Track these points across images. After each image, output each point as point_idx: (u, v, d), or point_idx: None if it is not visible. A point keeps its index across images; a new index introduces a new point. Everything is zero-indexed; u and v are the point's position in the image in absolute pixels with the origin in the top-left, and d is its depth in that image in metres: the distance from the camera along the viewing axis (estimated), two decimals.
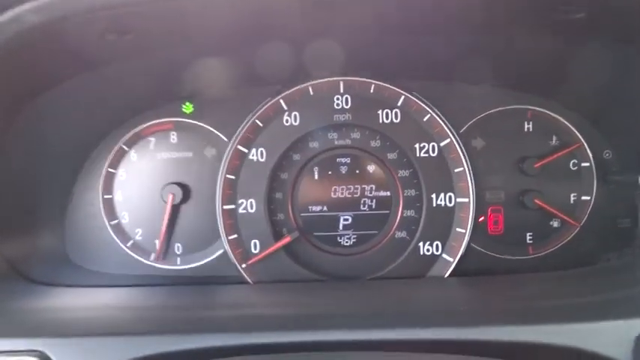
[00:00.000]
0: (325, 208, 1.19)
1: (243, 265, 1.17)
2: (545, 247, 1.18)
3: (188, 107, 1.20)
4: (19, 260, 1.05)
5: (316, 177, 1.19)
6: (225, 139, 1.19)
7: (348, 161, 1.19)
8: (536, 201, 1.16)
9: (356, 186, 1.19)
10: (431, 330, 0.78)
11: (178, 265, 1.21)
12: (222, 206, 1.16)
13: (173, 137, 1.21)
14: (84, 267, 1.18)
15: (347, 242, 1.20)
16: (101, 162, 1.19)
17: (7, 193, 1.01)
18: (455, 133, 1.16)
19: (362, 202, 1.19)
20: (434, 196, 1.17)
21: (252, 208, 1.17)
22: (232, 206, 1.17)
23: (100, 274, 1.17)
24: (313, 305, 0.97)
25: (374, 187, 1.19)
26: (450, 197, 1.17)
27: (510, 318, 0.79)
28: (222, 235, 1.17)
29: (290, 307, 0.97)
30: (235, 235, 1.17)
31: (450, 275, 1.16)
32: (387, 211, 1.19)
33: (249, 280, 1.17)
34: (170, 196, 1.19)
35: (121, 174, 1.22)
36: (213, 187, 1.18)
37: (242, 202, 1.17)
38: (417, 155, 1.17)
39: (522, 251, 1.18)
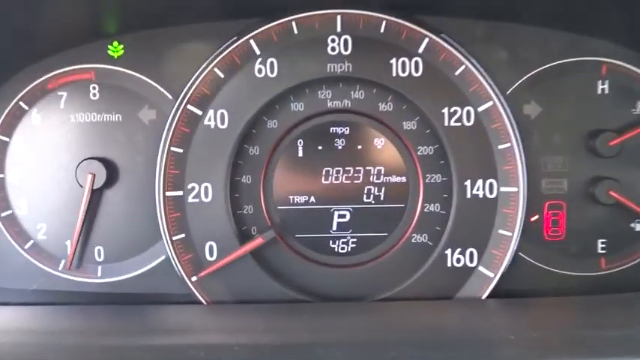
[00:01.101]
0: (313, 200, 1.15)
1: (194, 279, 1.12)
2: (623, 260, 1.15)
3: (116, 49, 1.15)
4: None
5: (300, 154, 1.14)
6: (170, 96, 1.15)
7: (347, 132, 1.14)
8: (612, 193, 1.12)
9: (357, 168, 1.14)
10: None
11: (99, 278, 1.16)
12: (164, 193, 1.11)
13: (94, 92, 1.16)
14: None
15: (343, 248, 1.15)
16: None
17: None
18: (500, 95, 1.12)
19: (365, 191, 1.15)
20: (468, 183, 1.12)
21: (207, 196, 1.12)
22: (179, 193, 1.12)
23: None
24: (293, 337, 0.92)
25: (383, 169, 1.15)
26: (492, 185, 1.12)
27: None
28: (163, 234, 1.12)
29: (260, 337, 0.91)
30: (182, 235, 1.12)
31: (489, 296, 1.11)
32: (402, 205, 1.15)
33: (201, 299, 1.13)
34: (89, 178, 1.13)
35: (17, 144, 1.15)
36: (151, 166, 1.13)
37: (193, 188, 1.12)
38: (446, 124, 1.11)
39: (592, 265, 1.15)
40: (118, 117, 1.13)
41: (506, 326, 0.98)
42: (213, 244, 1.10)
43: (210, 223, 1.10)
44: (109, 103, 1.13)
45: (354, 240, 1.13)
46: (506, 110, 1.10)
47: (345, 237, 1.13)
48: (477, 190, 1.10)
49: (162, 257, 1.13)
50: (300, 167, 1.13)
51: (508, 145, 1.10)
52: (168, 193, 1.10)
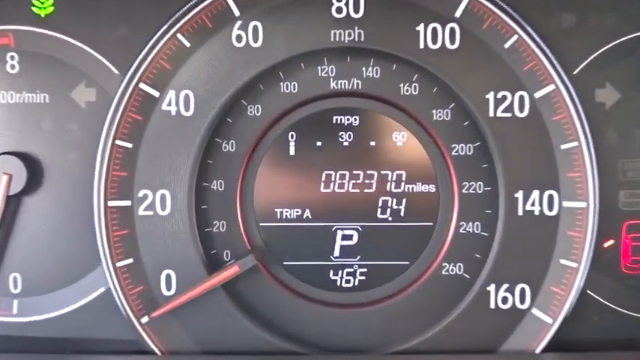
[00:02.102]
0: (308, 215, 1.13)
1: (145, 320, 1.09)
2: None
3: (43, 4, 1.12)
4: None
5: (292, 152, 1.12)
6: (116, 70, 1.12)
7: (356, 123, 1.12)
8: None
9: (369, 172, 1.12)
10: None
11: (15, 316, 1.13)
12: (105, 202, 1.09)
13: (12, 63, 1.13)
14: None
15: (348, 282, 1.13)
16: None
17: None
18: (565, 76, 1.09)
19: (380, 204, 1.12)
20: (520, 195, 1.09)
21: (164, 208, 1.09)
22: (126, 203, 1.10)
23: None
24: None
25: (404, 175, 1.12)
26: (551, 199, 1.09)
27: None
28: (103, 259, 1.09)
29: None
30: (130, 261, 1.10)
31: (546, 349, 1.08)
32: (429, 223, 1.13)
33: (154, 348, 1.09)
34: (3, 180, 1.10)
35: None
36: (88, 165, 1.10)
37: (145, 196, 1.09)
38: (491, 115, 1.09)
39: None
40: (44, 97, 1.11)
41: None
42: (172, 273, 1.08)
43: (168, 244, 1.08)
44: (33, 79, 1.11)
45: (363, 271, 1.11)
46: (573, 97, 1.08)
47: (351, 266, 1.11)
48: (532, 204, 1.08)
49: (102, 290, 1.11)
50: (291, 170, 1.11)
51: (574, 144, 1.07)
52: (111, 203, 1.08)
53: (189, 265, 1.07)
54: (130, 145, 1.07)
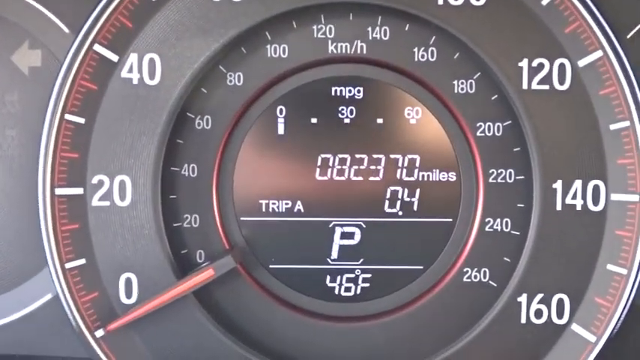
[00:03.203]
0: (300, 208, 1.16)
1: (99, 333, 1.11)
2: None
3: None
4: None
5: (281, 130, 1.14)
6: (66, 28, 1.14)
7: (359, 95, 1.14)
8: None
9: (375, 156, 1.14)
10: None
11: None
12: (52, 190, 1.10)
13: None
14: None
15: (349, 289, 1.16)
16: None
17: None
18: (615, 41, 1.10)
19: (388, 195, 1.16)
20: (558, 186, 1.12)
21: (123, 197, 1.12)
22: (77, 191, 1.12)
23: None
24: None
25: (418, 159, 1.14)
26: (597, 190, 1.12)
27: None
28: (50, 258, 1.11)
29: None
30: (82, 261, 1.12)
31: None
32: (449, 219, 1.14)
33: None
34: None
35: None
36: (32, 144, 1.12)
37: (101, 183, 1.12)
38: (524, 87, 1.12)
39: None
40: None
41: None
42: (133, 276, 1.11)
43: (129, 242, 1.11)
44: None
45: (367, 277, 1.14)
46: (625, 66, 1.10)
47: (352, 271, 1.15)
48: (574, 197, 1.11)
49: (48, 296, 1.14)
50: (279, 153, 1.14)
51: (626, 123, 1.10)
52: (59, 191, 1.10)
53: (153, 267, 1.11)
54: (82, 121, 1.10)
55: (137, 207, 1.11)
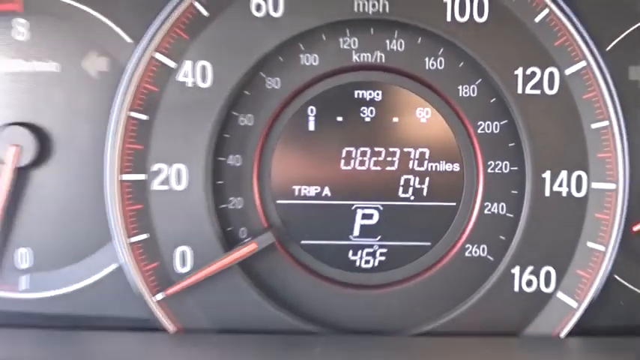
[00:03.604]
0: (328, 193, 1.23)
1: (159, 297, 1.20)
2: None
3: None
4: None
5: (312, 127, 1.22)
6: (129, 39, 1.21)
7: (378, 98, 1.22)
8: None
9: (391, 149, 1.22)
10: None
11: (23, 292, 1.23)
12: (119, 176, 1.18)
13: (21, 30, 1.22)
14: None
15: (368, 262, 1.23)
16: None
17: None
18: (597, 52, 1.18)
19: (402, 182, 1.23)
20: (547, 175, 1.20)
21: (179, 182, 1.20)
22: (140, 176, 1.20)
23: None
24: None
25: (428, 152, 1.22)
26: (580, 180, 1.19)
27: None
28: (116, 234, 1.19)
29: None
30: (144, 236, 1.20)
31: (570, 334, 1.19)
32: (453, 203, 1.23)
33: (168, 326, 1.20)
34: (12, 152, 1.20)
35: None
36: (101, 137, 1.20)
37: (160, 170, 1.20)
38: (519, 92, 1.19)
39: None
40: (55, 66, 1.21)
41: None
42: (187, 249, 1.18)
43: (184, 220, 1.18)
44: (42, 47, 1.21)
45: (384, 251, 1.22)
46: (605, 74, 1.17)
47: (371, 246, 1.22)
48: (560, 185, 1.18)
49: (114, 266, 1.21)
50: (310, 146, 1.21)
51: (605, 123, 1.17)
52: (124, 177, 1.18)
53: (204, 241, 1.18)
54: (144, 117, 1.18)
55: (191, 191, 1.18)
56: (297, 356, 1.09)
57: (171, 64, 1.17)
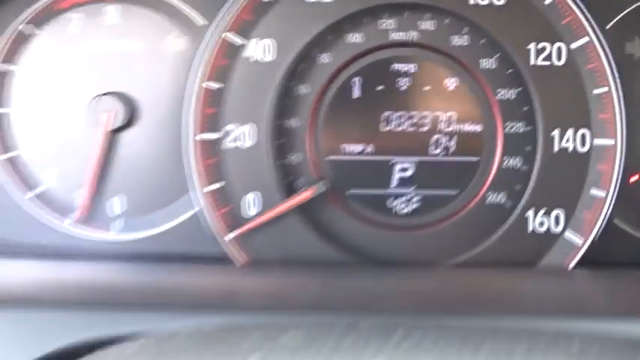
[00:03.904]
0: (370, 149, 1.35)
1: (231, 235, 1.32)
2: None
3: None
4: None
5: (356, 94, 1.34)
6: (203, 20, 1.33)
7: (413, 70, 1.34)
8: None
9: (424, 113, 1.34)
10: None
11: (117, 234, 1.37)
12: (196, 135, 1.31)
13: (112, 15, 1.35)
14: None
15: (404, 208, 1.35)
16: None
17: None
18: (598, 29, 1.28)
19: (433, 141, 1.35)
20: (556, 133, 1.31)
21: (247, 139, 1.32)
22: (215, 135, 1.32)
23: None
24: (352, 297, 1.12)
25: (455, 115, 1.34)
26: (584, 137, 1.30)
27: None
28: (196, 183, 1.31)
29: (312, 290, 1.14)
30: (218, 185, 1.32)
31: (577, 266, 1.30)
32: (476, 158, 1.34)
33: (236, 259, 1.33)
34: (106, 116, 1.34)
35: (23, 75, 1.37)
36: (177, 104, 1.33)
37: (231, 130, 1.32)
38: (532, 63, 1.30)
39: None
40: (141, 46, 1.35)
41: (594, 298, 1.17)
42: (254, 196, 1.31)
43: (251, 172, 1.31)
44: (131, 29, 1.34)
45: (418, 199, 1.34)
46: (605, 48, 1.27)
47: (406, 195, 1.34)
48: (567, 141, 1.29)
49: (192, 212, 1.33)
50: (355, 111, 1.33)
51: (605, 89, 1.28)
52: (200, 136, 1.30)
53: (268, 190, 1.31)
54: (217, 86, 1.30)
55: (257, 148, 1.31)
56: (344, 283, 1.20)
57: (239, 41, 1.29)
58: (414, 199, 1.35)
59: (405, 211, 1.35)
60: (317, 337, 0.75)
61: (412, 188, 1.35)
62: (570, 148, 1.30)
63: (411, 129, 1.34)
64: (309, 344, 0.73)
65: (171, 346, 0.80)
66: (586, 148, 1.30)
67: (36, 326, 0.98)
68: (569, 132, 1.30)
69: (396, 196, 1.35)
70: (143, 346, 0.84)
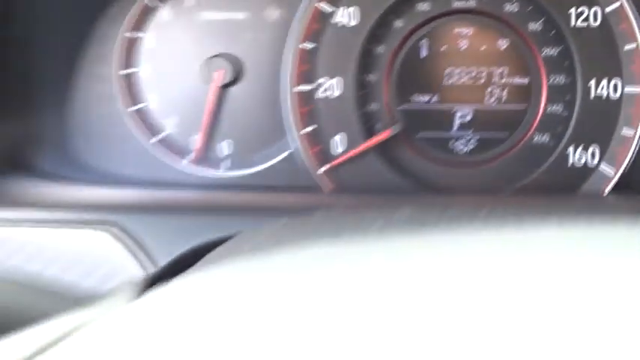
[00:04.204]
0: (436, 99, 1.54)
1: (322, 169, 1.53)
2: None
3: None
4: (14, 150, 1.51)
5: (424, 53, 1.53)
6: None
7: (471, 33, 1.52)
8: None
9: (480, 69, 1.51)
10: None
11: (226, 171, 1.58)
12: (294, 87, 1.52)
13: None
14: (92, 165, 1.56)
15: (463, 148, 1.54)
16: (118, 23, 1.54)
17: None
18: None
19: (488, 91, 1.52)
20: (592, 83, 1.47)
21: (335, 90, 1.52)
22: (309, 87, 1.52)
23: (112, 176, 1.54)
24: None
25: (506, 70, 1.51)
26: (616, 86, 1.46)
27: None
28: (293, 127, 1.51)
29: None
30: (313, 127, 1.52)
31: (610, 192, 1.46)
32: (524, 105, 1.51)
33: (325, 187, 1.52)
34: (218, 74, 1.54)
35: (150, 40, 1.61)
36: (276, 63, 1.53)
37: (322, 83, 1.53)
38: (572, 25, 1.46)
39: None
40: (244, 15, 1.53)
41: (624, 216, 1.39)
42: (341, 136, 1.49)
43: (339, 117, 1.49)
44: (237, 1, 1.52)
45: (475, 140, 1.51)
46: (635, 10, 1.41)
47: (465, 137, 1.51)
48: (602, 89, 1.44)
49: (288, 151, 1.51)
50: (423, 67, 1.51)
51: (634, 45, 1.43)
52: (297, 88, 1.49)
53: (353, 132, 1.50)
54: (310, 46, 1.49)
55: (343, 97, 1.49)
56: (424, 205, 1.34)
57: (329, 9, 1.47)
58: (472, 141, 1.52)
59: (464, 150, 1.52)
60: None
61: (470, 131, 1.51)
62: (604, 95, 1.45)
63: (470, 82, 1.50)
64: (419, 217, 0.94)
65: (309, 228, 0.97)
66: (618, 95, 1.45)
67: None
68: (604, 82, 1.45)
69: (457, 138, 1.52)
70: (283, 229, 0.99)
